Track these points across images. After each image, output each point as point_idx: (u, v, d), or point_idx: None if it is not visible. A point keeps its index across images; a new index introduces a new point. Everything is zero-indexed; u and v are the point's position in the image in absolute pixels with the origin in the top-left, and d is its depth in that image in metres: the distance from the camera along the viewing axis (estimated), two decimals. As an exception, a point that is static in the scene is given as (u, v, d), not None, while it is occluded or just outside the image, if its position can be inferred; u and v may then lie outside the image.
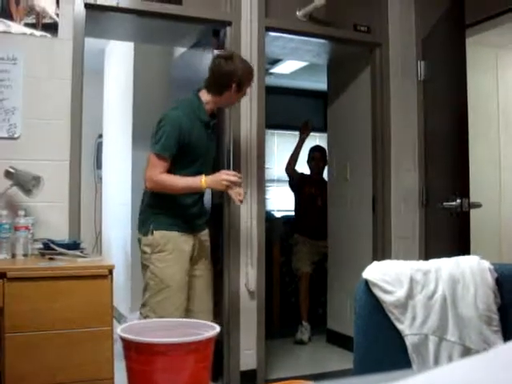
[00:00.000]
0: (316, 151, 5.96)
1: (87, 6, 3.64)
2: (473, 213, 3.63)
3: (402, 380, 0.53)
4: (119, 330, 2.53)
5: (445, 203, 3.60)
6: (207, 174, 3.22)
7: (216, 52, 4.03)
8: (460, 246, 3.48)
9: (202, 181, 3.17)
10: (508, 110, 4.47)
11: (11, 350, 2.64)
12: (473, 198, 3.92)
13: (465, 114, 3.56)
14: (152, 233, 3.23)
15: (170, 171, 3.19)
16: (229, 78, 3.30)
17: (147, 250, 3.25)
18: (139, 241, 3.32)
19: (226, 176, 3.20)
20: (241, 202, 3.23)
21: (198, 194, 3.36)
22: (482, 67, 4.26)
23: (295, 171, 5.87)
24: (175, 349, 1.86)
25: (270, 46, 4.45)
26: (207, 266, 3.47)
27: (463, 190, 3.51)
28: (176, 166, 3.21)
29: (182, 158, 3.22)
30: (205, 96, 3.35)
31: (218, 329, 2.45)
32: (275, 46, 4.76)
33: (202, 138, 3.30)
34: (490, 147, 4.30)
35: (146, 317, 3.23)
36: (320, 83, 6.24)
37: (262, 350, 4.07)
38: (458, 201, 3.50)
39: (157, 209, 3.28)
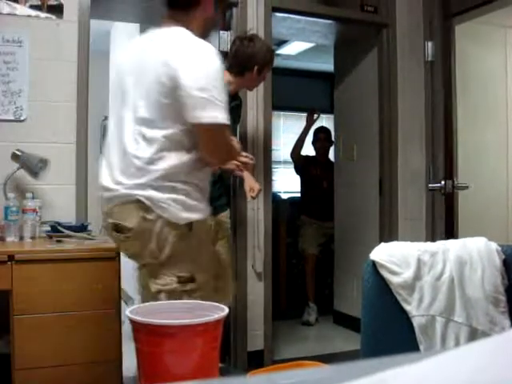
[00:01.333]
0: (321, 132, 5.92)
1: (92, -13, 3.63)
2: (481, 195, 3.63)
3: (411, 364, 0.53)
4: (128, 311, 2.54)
5: (429, 184, 3.62)
6: None
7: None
8: (447, 227, 3.51)
9: None
10: (517, 90, 4.44)
11: (20, 332, 2.66)
12: (479, 180, 3.92)
13: (449, 96, 3.58)
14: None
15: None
16: (251, 59, 3.33)
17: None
18: None
19: (244, 155, 3.20)
20: (253, 197, 3.22)
21: (215, 174, 3.34)
22: (491, 46, 4.23)
23: (300, 156, 5.86)
24: (184, 330, 1.87)
25: (276, 26, 4.42)
26: (225, 247, 3.45)
27: (448, 171, 3.53)
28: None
29: None
30: (227, 76, 3.33)
31: (226, 310, 2.46)
32: (282, 27, 4.74)
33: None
34: (499, 127, 4.28)
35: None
36: (327, 64, 6.21)
37: (269, 330, 4.09)
38: (443, 182, 3.52)
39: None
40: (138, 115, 2.26)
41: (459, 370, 0.49)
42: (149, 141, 2.24)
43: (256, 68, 3.31)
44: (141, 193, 2.25)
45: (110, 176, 2.41)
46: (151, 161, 2.24)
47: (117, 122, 2.41)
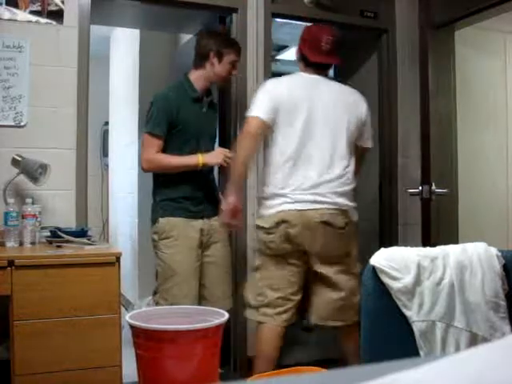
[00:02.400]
0: None
1: (92, -8, 3.63)
2: (480, 199, 3.63)
3: (413, 368, 0.53)
4: (128, 317, 2.54)
5: (409, 190, 3.65)
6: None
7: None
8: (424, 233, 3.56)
9: (199, 156, 3.21)
10: (516, 96, 4.45)
11: (20, 338, 2.66)
12: (478, 185, 3.93)
13: (426, 104, 3.61)
14: (158, 220, 3.28)
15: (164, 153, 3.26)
16: (205, 48, 3.35)
17: (155, 237, 3.31)
18: (150, 232, 3.38)
19: (224, 152, 3.25)
20: (226, 163, 3.19)
21: (205, 178, 3.36)
22: (490, 53, 4.24)
23: None
24: (184, 336, 1.87)
25: (276, 32, 4.44)
26: (221, 251, 3.43)
27: (426, 177, 3.56)
28: (170, 147, 3.25)
29: (174, 139, 3.26)
30: (193, 74, 3.39)
31: (226, 316, 2.46)
32: (282, 33, 4.75)
33: (193, 114, 3.33)
34: (498, 133, 4.28)
35: (157, 303, 3.26)
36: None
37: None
38: (420, 188, 3.56)
39: (160, 196, 3.33)
40: None
41: (461, 374, 0.49)
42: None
43: (212, 54, 3.32)
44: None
45: None
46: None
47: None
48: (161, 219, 3.27)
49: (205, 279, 3.34)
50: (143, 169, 3.34)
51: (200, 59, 3.37)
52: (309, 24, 3.81)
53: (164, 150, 3.26)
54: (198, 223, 3.31)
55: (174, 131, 3.25)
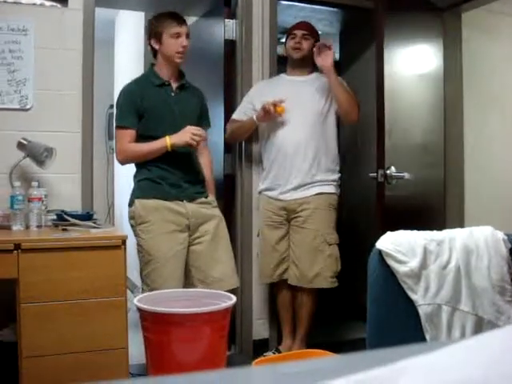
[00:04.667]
0: None
1: (97, -25, 3.62)
2: (487, 183, 3.61)
3: (424, 353, 0.53)
4: (136, 300, 2.55)
5: (370, 174, 3.70)
6: None
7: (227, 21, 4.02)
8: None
9: (167, 138, 3.17)
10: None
11: (26, 320, 2.67)
12: (484, 168, 3.91)
13: (381, 90, 3.62)
14: (134, 203, 3.25)
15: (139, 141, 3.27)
16: (148, 39, 3.39)
17: (132, 222, 3.28)
18: (128, 216, 3.35)
19: (192, 129, 3.20)
20: (195, 142, 3.19)
21: (185, 159, 3.32)
22: (498, 36, 4.19)
23: None
24: (192, 319, 1.88)
25: (281, 14, 4.40)
26: (212, 231, 3.34)
27: (380, 161, 3.63)
28: (145, 135, 3.25)
29: (147, 127, 3.25)
30: (155, 64, 3.40)
31: (234, 299, 2.46)
32: (287, 15, 4.72)
33: (159, 100, 3.29)
34: (505, 117, 4.25)
35: (142, 289, 3.25)
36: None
37: (274, 319, 4.09)
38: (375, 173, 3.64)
39: (139, 176, 3.31)
40: None
41: (477, 358, 0.49)
42: None
43: (152, 40, 3.34)
44: None
45: None
46: None
47: None
48: (136, 202, 3.22)
49: (197, 261, 3.29)
50: (119, 161, 3.37)
51: (151, 50, 3.40)
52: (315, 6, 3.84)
53: (140, 140, 3.25)
54: (178, 206, 3.26)
55: (143, 120, 3.25)
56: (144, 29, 3.44)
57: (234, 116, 3.85)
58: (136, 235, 3.25)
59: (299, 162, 3.65)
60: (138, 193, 3.26)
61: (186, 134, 3.16)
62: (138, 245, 3.25)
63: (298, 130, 3.66)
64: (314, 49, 3.59)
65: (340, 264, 3.74)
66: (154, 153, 3.21)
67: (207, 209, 3.37)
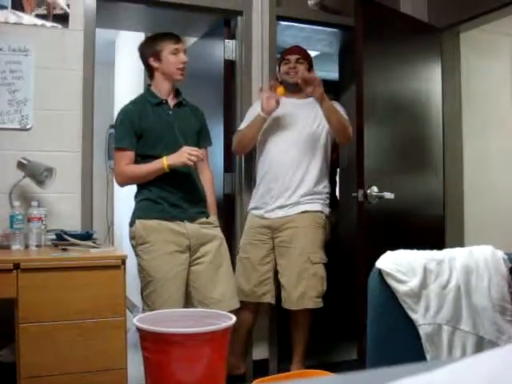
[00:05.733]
0: None
1: (98, -4, 3.65)
2: (487, 201, 3.61)
3: (424, 372, 0.52)
4: (135, 320, 2.54)
5: (353, 194, 3.75)
6: None
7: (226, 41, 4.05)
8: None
9: (164, 159, 3.16)
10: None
11: (25, 340, 2.66)
12: (484, 187, 3.92)
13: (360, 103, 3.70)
14: (135, 223, 3.24)
15: (138, 163, 3.27)
16: (144, 59, 3.39)
17: (133, 242, 3.27)
18: (129, 236, 3.34)
19: (188, 149, 3.18)
20: (192, 162, 3.18)
21: (186, 179, 3.30)
22: (496, 55, 4.23)
23: None
24: (192, 339, 1.87)
25: (281, 35, 4.43)
26: (213, 252, 3.33)
27: (360, 181, 3.68)
28: (145, 155, 3.25)
29: (146, 147, 3.25)
30: (152, 85, 3.40)
31: (234, 319, 2.45)
32: (287, 36, 4.74)
33: (157, 119, 3.29)
34: (504, 136, 4.27)
35: (143, 310, 3.24)
36: (331, 73, 6.21)
37: (274, 339, 4.07)
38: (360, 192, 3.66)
39: (140, 196, 3.30)
40: None
41: (476, 376, 0.49)
42: None
43: (150, 60, 3.34)
44: None
45: None
46: None
47: None
48: (137, 222, 3.21)
49: (197, 282, 3.27)
50: (118, 183, 3.36)
51: (148, 70, 3.41)
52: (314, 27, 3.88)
53: (140, 160, 3.26)
54: (179, 226, 3.25)
55: (142, 140, 3.25)
56: (138, 50, 3.42)
57: (241, 127, 3.84)
58: (137, 255, 3.24)
59: (286, 182, 3.66)
60: (138, 213, 3.26)
61: (183, 155, 3.15)
62: (139, 265, 3.24)
63: (289, 151, 3.68)
64: (299, 82, 3.59)
65: (326, 284, 3.71)
66: (152, 174, 3.21)
67: (208, 229, 3.36)
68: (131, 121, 3.25)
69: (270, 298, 3.77)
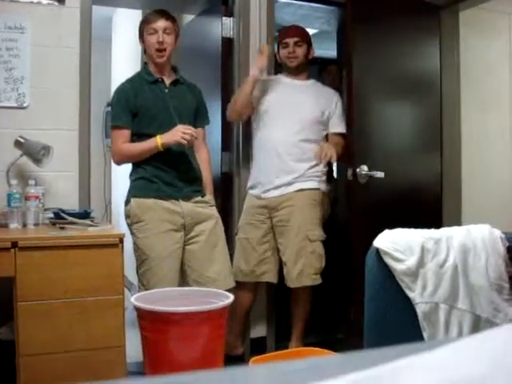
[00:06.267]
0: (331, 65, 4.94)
1: (94, -28, 3.61)
2: (484, 181, 3.62)
3: (426, 351, 0.53)
4: (133, 299, 2.55)
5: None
6: None
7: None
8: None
9: (157, 138, 3.16)
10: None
11: (23, 319, 2.67)
12: (482, 166, 3.93)
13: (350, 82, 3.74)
14: (130, 202, 3.23)
15: (134, 141, 3.26)
16: (139, 37, 3.37)
17: (128, 221, 3.27)
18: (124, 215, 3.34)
19: (182, 128, 3.16)
20: (186, 141, 3.16)
21: (180, 158, 3.29)
22: (495, 34, 4.21)
23: None
24: (189, 318, 1.87)
25: (279, 12, 4.40)
26: (206, 232, 3.32)
27: (350, 160, 3.76)
28: (138, 133, 3.24)
29: (140, 124, 3.24)
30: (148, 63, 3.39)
31: (231, 298, 2.46)
32: (285, 13, 4.72)
33: (153, 96, 3.28)
34: (502, 115, 4.26)
35: (139, 288, 3.25)
36: (329, 51, 6.18)
37: (272, 317, 4.09)
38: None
39: (135, 175, 3.30)
40: None
41: (477, 358, 0.49)
42: None
43: (139, 42, 3.40)
44: None
45: None
46: None
47: None
48: (132, 201, 3.21)
49: (192, 261, 3.28)
50: (115, 162, 3.37)
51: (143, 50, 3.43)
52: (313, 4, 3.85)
53: (135, 138, 3.25)
54: (173, 205, 3.24)
55: (137, 118, 3.23)
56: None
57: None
58: (132, 234, 3.25)
59: (283, 161, 3.65)
60: (133, 192, 3.25)
61: (176, 133, 3.14)
62: (134, 243, 3.24)
63: (286, 130, 3.67)
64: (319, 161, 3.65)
65: (324, 261, 3.74)
66: (147, 152, 3.20)
67: (203, 208, 3.36)
68: (127, 99, 3.23)
69: (270, 277, 3.78)
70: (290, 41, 3.80)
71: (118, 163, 3.38)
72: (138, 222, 3.20)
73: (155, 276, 3.16)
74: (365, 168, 3.63)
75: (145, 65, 3.40)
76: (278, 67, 4.05)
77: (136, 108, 3.23)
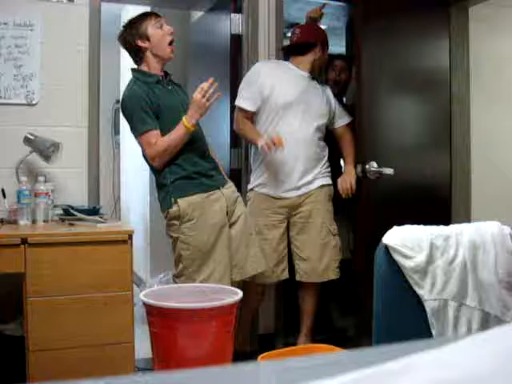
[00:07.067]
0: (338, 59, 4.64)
1: (103, -31, 3.62)
2: (495, 178, 3.60)
3: (433, 348, 0.53)
4: (142, 295, 2.55)
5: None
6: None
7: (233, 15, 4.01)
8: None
9: (183, 121, 3.06)
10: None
11: (33, 314, 2.69)
12: (492, 166, 3.92)
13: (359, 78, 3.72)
14: (176, 202, 3.12)
15: None
16: (131, 43, 3.24)
17: (175, 222, 3.15)
18: (166, 217, 3.21)
19: (197, 94, 3.05)
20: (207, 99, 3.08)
21: (204, 148, 3.26)
22: (504, 29, 4.17)
23: None
24: (198, 314, 1.88)
25: (288, 9, 4.39)
26: (241, 215, 3.34)
27: (359, 156, 3.74)
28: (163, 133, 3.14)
29: (162, 123, 3.13)
30: (142, 67, 3.26)
31: (240, 294, 2.46)
32: (293, 9, 4.71)
33: (165, 95, 3.20)
34: (511, 112, 4.23)
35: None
36: (338, 47, 6.16)
37: (280, 314, 4.09)
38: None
39: (174, 175, 3.18)
40: None
41: (482, 356, 0.49)
42: None
43: (139, 41, 3.22)
44: None
45: None
46: None
47: None
48: (180, 201, 3.12)
49: (233, 245, 3.27)
50: (156, 166, 3.17)
51: (136, 55, 3.26)
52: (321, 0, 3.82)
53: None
54: (219, 194, 3.23)
55: (159, 119, 3.13)
56: (119, 39, 3.29)
57: (243, 105, 3.66)
58: (181, 233, 3.15)
59: (306, 161, 3.62)
60: (176, 194, 3.14)
61: (198, 104, 3.04)
62: (184, 243, 3.15)
63: (306, 128, 3.64)
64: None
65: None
66: (180, 140, 3.09)
67: (233, 192, 3.38)
68: (145, 101, 3.10)
69: (287, 274, 3.77)
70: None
71: (160, 164, 3.16)
72: (189, 220, 3.13)
73: (218, 274, 3.13)
74: (374, 164, 3.62)
75: (138, 70, 3.28)
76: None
77: (155, 109, 3.12)
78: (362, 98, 3.68)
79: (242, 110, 3.65)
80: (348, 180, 3.68)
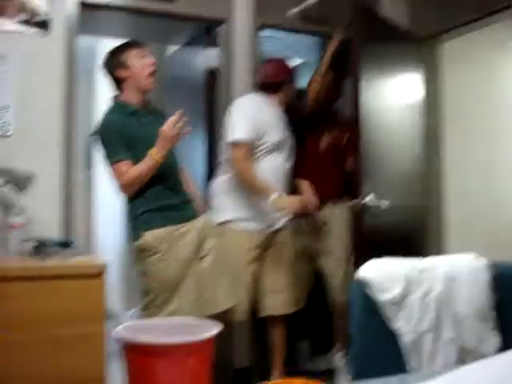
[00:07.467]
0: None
1: (80, 3, 3.62)
2: (472, 212, 3.63)
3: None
4: (115, 330, 2.50)
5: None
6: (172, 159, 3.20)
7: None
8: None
9: (151, 153, 3.02)
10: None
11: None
12: (469, 198, 3.97)
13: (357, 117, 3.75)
14: (143, 235, 3.09)
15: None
16: (111, 72, 3.26)
17: (141, 255, 3.13)
18: (133, 250, 3.17)
19: (165, 127, 3.00)
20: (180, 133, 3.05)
21: (171, 180, 3.22)
22: (477, 66, 4.24)
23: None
24: (174, 349, 1.83)
25: (263, 44, 4.43)
26: (211, 247, 3.26)
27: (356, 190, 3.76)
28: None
29: (135, 154, 3.08)
30: (121, 97, 3.26)
31: (219, 328, 2.42)
32: (269, 44, 4.75)
33: (141, 126, 3.17)
34: (487, 146, 4.27)
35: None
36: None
37: (256, 346, 4.05)
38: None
39: (143, 207, 3.15)
40: None
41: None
42: None
43: (118, 71, 3.22)
44: None
45: None
46: None
47: None
48: (146, 234, 3.09)
49: (203, 281, 3.20)
50: (127, 193, 3.16)
51: (116, 84, 3.27)
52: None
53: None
54: (188, 228, 3.18)
55: (131, 149, 3.10)
56: (103, 66, 3.29)
57: (245, 136, 3.50)
58: (149, 266, 3.11)
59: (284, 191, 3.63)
60: (144, 226, 3.11)
61: (167, 135, 3.00)
62: (151, 275, 3.12)
63: (283, 158, 3.69)
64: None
65: None
66: (150, 170, 3.05)
67: (207, 224, 3.35)
68: (119, 131, 3.09)
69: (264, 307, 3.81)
70: None
71: (130, 193, 3.14)
72: (155, 253, 3.09)
73: (179, 301, 3.10)
74: (371, 198, 3.61)
75: (116, 101, 3.27)
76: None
77: (127, 140, 3.09)
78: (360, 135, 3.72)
79: (240, 146, 3.49)
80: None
